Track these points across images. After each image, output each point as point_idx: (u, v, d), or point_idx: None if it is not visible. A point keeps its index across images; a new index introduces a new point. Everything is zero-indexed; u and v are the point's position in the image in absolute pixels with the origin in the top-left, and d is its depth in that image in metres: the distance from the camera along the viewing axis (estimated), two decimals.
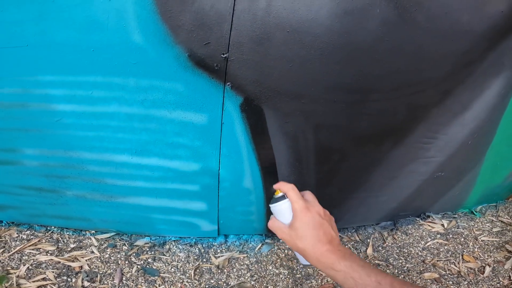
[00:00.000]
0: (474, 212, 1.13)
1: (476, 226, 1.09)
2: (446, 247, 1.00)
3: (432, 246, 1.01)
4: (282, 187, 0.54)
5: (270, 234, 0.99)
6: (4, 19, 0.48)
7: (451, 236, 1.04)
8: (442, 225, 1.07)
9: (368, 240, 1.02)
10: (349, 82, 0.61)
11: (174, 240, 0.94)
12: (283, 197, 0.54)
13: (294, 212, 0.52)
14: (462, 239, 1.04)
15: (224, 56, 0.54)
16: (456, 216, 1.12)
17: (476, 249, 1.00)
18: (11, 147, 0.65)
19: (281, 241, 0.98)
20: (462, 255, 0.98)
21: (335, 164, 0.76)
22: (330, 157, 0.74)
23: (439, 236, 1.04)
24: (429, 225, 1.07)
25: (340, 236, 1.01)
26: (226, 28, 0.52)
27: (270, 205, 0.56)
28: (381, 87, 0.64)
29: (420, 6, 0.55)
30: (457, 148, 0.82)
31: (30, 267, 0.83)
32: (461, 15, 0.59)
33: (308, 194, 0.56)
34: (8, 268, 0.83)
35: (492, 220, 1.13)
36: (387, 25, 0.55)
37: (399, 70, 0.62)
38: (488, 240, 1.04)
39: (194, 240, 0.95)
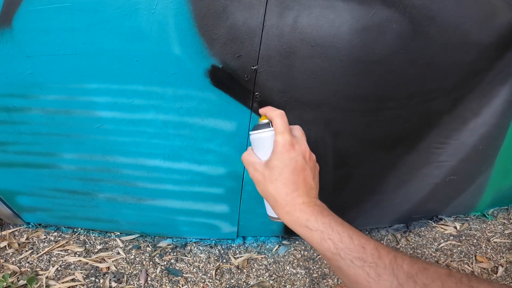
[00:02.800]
0: (486, 215, 1.16)
1: (488, 228, 1.12)
2: (459, 248, 1.03)
3: (445, 247, 1.03)
4: (268, 112, 0.44)
5: (286, 236, 1.02)
6: (55, 27, 0.53)
7: (464, 237, 1.07)
8: (455, 227, 1.10)
9: (382, 242, 1.05)
10: (366, 91, 0.66)
11: (194, 242, 0.98)
12: (268, 125, 0.44)
13: (275, 145, 0.41)
14: (475, 241, 1.06)
15: (254, 68, 0.59)
16: (468, 218, 1.15)
17: (488, 250, 1.03)
18: (51, 152, 0.70)
19: (297, 242, 1.01)
20: (475, 256, 1.00)
21: (351, 168, 0.80)
22: (347, 161, 0.78)
23: (452, 237, 1.06)
24: (441, 227, 1.09)
25: None
26: (256, 42, 0.57)
27: (250, 133, 0.46)
28: (395, 95, 0.68)
29: (433, 21, 0.60)
30: (468, 152, 0.85)
31: (59, 268, 0.87)
32: (471, 27, 0.63)
33: (297, 129, 0.46)
34: (37, 270, 0.87)
35: (504, 222, 1.15)
36: (403, 39, 0.60)
37: (412, 80, 0.67)
38: (500, 242, 1.06)
39: (213, 241, 0.99)
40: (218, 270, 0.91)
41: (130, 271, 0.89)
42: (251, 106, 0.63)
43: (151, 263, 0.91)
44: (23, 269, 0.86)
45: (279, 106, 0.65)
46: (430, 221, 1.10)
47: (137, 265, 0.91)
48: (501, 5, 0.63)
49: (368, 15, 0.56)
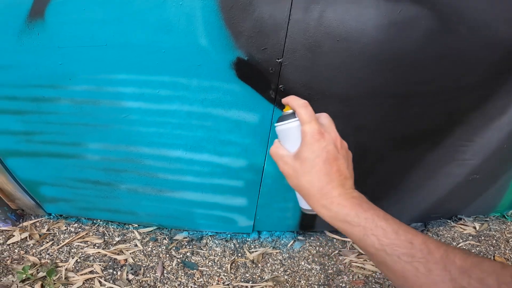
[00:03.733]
0: (506, 216, 1.12)
1: (508, 229, 1.09)
2: (478, 249, 1.00)
3: (464, 247, 1.01)
4: (291, 101, 0.42)
5: (301, 231, 1.01)
6: (87, 19, 0.54)
7: (483, 238, 1.04)
8: (474, 227, 1.07)
9: None
10: (391, 87, 0.65)
11: (210, 235, 0.99)
12: (293, 115, 0.43)
13: (304, 136, 0.40)
14: (494, 241, 1.03)
15: (279, 61, 0.59)
16: (488, 219, 1.12)
17: (507, 251, 1.00)
18: (76, 141, 0.72)
19: (312, 238, 1.01)
20: (494, 257, 0.98)
21: (372, 164, 0.79)
22: (368, 157, 0.77)
23: (471, 238, 1.04)
24: (460, 227, 1.07)
25: None
26: (282, 36, 0.57)
27: (275, 125, 0.45)
28: (420, 92, 0.67)
29: (462, 17, 0.59)
30: (492, 151, 0.83)
31: (78, 260, 0.89)
32: (500, 25, 0.62)
33: (324, 117, 0.44)
34: (57, 261, 0.89)
35: None
36: (430, 35, 0.59)
37: (439, 77, 0.66)
38: None
39: (229, 235, 0.99)
40: (233, 264, 0.92)
41: (147, 264, 0.90)
42: (274, 99, 0.63)
43: (167, 255, 0.92)
44: (43, 261, 0.88)
45: (302, 98, 0.65)
46: (449, 221, 1.08)
47: (154, 258, 0.92)
48: None
49: (395, 11, 0.56)
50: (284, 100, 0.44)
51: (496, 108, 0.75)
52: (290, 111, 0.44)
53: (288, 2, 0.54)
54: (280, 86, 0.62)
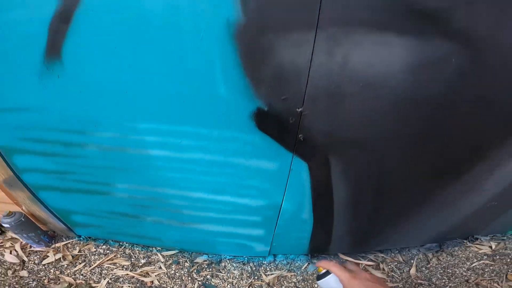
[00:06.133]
0: None
1: None
2: (491, 268, 1.01)
3: (478, 266, 1.02)
4: (324, 264, 0.58)
5: (315, 254, 1.05)
6: (104, 63, 0.54)
7: (498, 257, 1.05)
8: (490, 246, 1.07)
9: (412, 261, 1.05)
10: (417, 130, 0.64)
11: (228, 259, 1.04)
12: (328, 272, 0.58)
13: (343, 282, 0.54)
14: (509, 260, 1.03)
15: (299, 110, 0.59)
16: (505, 238, 1.12)
17: None
18: (106, 182, 0.76)
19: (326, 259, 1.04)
20: (506, 275, 0.98)
21: (393, 195, 0.80)
22: (390, 190, 0.78)
23: (486, 257, 1.04)
24: (476, 247, 1.07)
25: (383, 256, 1.05)
26: (303, 82, 0.55)
27: (318, 282, 0.60)
28: (446, 131, 0.66)
29: (497, 53, 0.56)
30: None
31: (109, 281, 0.96)
32: None
33: (350, 265, 0.58)
34: (90, 282, 0.96)
35: None
36: (460, 74, 0.56)
37: (465, 116, 0.64)
38: None
39: (246, 258, 1.04)
40: (250, 287, 0.97)
41: (171, 286, 0.96)
42: (294, 148, 0.64)
43: (189, 278, 0.98)
44: (78, 281, 0.96)
45: (323, 146, 0.66)
46: (465, 241, 1.09)
47: (177, 280, 0.98)
48: None
49: (425, 50, 0.53)
50: (318, 264, 0.60)
51: None
52: (324, 270, 0.59)
53: (310, 46, 0.51)
54: (299, 136, 0.63)
